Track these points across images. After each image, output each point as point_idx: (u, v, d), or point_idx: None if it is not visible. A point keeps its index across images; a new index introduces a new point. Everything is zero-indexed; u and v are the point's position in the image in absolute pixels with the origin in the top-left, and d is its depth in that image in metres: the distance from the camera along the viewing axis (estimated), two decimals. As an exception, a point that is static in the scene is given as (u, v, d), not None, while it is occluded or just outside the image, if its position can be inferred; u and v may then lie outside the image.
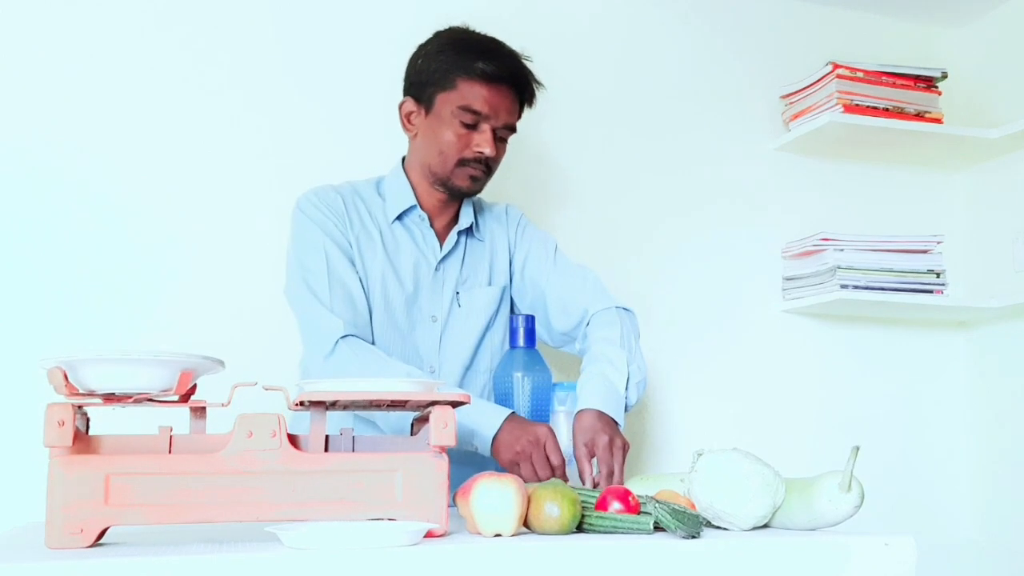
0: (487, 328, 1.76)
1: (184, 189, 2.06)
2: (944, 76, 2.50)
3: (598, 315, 1.70)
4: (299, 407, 1.10)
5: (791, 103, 2.52)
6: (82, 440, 1.00)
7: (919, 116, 2.45)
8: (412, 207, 1.73)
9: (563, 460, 1.44)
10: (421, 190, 1.75)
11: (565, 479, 1.40)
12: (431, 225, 1.74)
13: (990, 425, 2.57)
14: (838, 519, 1.12)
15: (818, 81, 2.43)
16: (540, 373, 1.52)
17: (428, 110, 1.69)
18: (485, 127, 1.66)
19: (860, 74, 2.41)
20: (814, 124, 2.40)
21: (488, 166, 1.70)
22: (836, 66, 2.39)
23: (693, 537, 1.05)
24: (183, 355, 1.03)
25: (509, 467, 1.45)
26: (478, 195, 1.79)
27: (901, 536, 1.08)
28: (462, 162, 1.67)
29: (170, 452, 1.05)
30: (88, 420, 1.07)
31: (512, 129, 1.72)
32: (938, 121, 2.46)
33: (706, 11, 2.52)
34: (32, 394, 1.32)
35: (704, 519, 1.11)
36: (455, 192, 1.72)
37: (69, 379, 0.99)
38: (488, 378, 1.76)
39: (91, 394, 1.01)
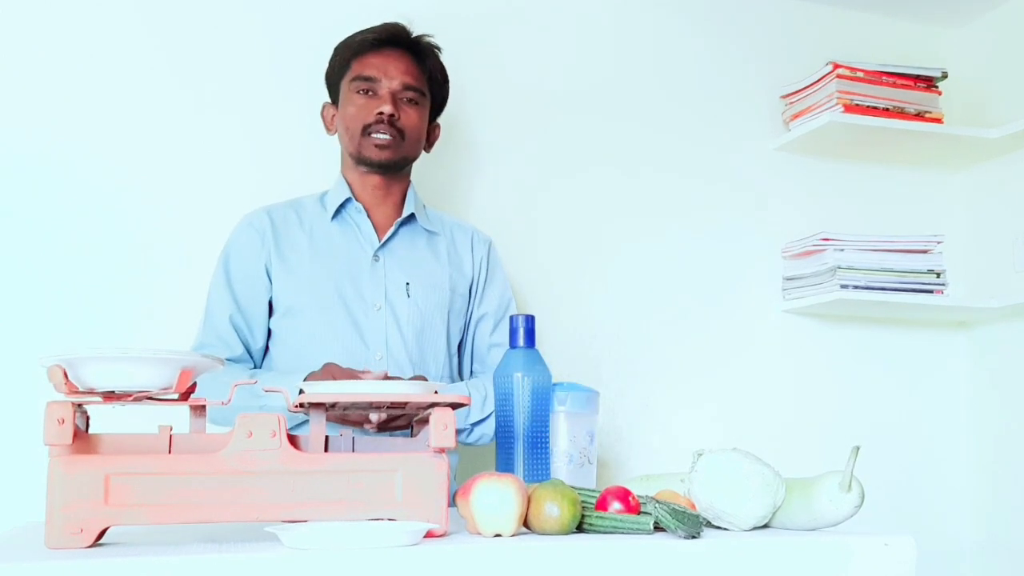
0: (435, 329, 1.79)
1: (183, 187, 2.06)
2: (944, 76, 2.50)
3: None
4: (299, 409, 1.10)
5: (791, 103, 2.52)
6: (82, 438, 1.00)
7: (919, 116, 2.45)
8: (347, 200, 1.79)
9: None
10: (355, 183, 1.81)
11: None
12: (369, 216, 1.80)
13: (990, 425, 2.56)
14: (838, 519, 1.12)
15: (818, 81, 2.43)
16: (540, 373, 1.51)
17: (338, 102, 1.81)
18: (383, 91, 1.74)
19: (860, 74, 2.41)
20: (814, 124, 2.40)
21: (397, 129, 1.74)
22: (836, 66, 2.39)
23: (693, 537, 1.05)
24: (183, 353, 1.03)
25: None
26: (445, 212, 1.89)
27: (901, 536, 1.08)
28: (367, 130, 1.74)
29: (170, 452, 1.05)
30: (88, 418, 1.07)
31: (418, 91, 1.78)
32: (938, 121, 2.46)
33: (706, 11, 2.52)
34: (32, 394, 1.32)
35: (704, 519, 1.11)
36: (372, 165, 1.77)
37: (69, 377, 0.99)
38: (442, 379, 1.79)
39: (91, 392, 1.01)
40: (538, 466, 1.48)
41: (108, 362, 0.99)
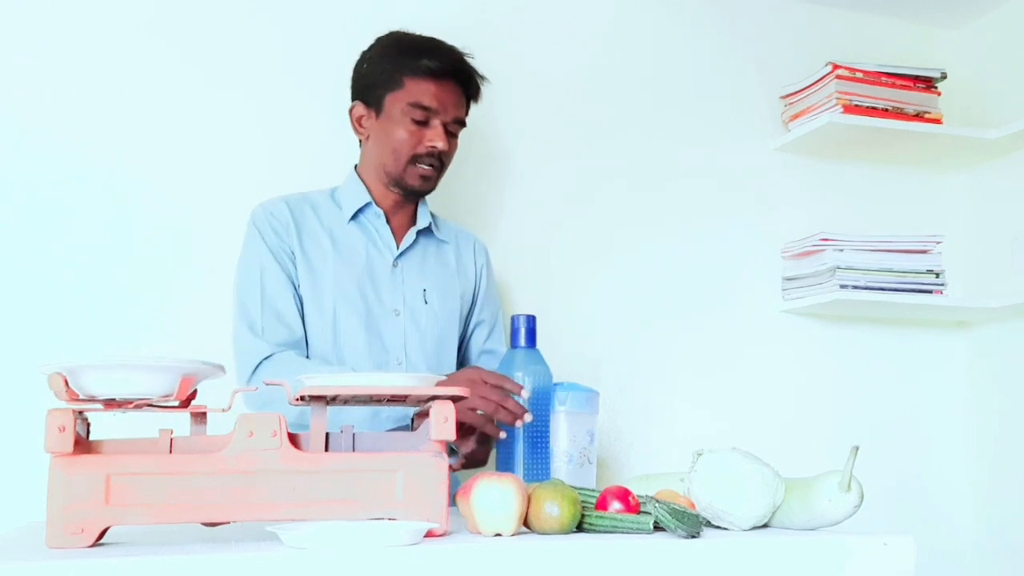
0: (450, 336, 1.80)
1: (186, 194, 2.05)
2: (943, 76, 2.50)
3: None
4: (299, 402, 1.10)
5: (791, 103, 2.52)
6: (82, 445, 1.00)
7: (918, 116, 2.45)
8: (367, 204, 1.78)
9: (504, 378, 1.48)
10: (376, 191, 1.80)
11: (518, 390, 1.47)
12: (387, 222, 1.79)
13: (990, 425, 2.56)
14: (838, 519, 1.12)
15: (818, 81, 2.43)
16: (540, 373, 1.52)
17: (379, 112, 1.75)
18: (436, 122, 1.72)
19: (859, 74, 2.41)
20: (814, 124, 2.40)
21: (441, 161, 1.75)
22: (836, 66, 2.39)
23: (693, 537, 1.05)
24: (184, 360, 1.03)
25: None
26: (444, 218, 1.88)
27: (900, 536, 1.08)
28: (414, 159, 1.73)
29: (170, 453, 1.05)
30: (89, 425, 1.07)
31: (461, 124, 1.78)
32: (937, 121, 2.46)
33: (706, 11, 2.52)
34: (33, 394, 1.32)
35: (704, 519, 1.11)
36: (408, 191, 1.77)
37: (70, 384, 0.99)
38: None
39: (92, 399, 1.01)
40: (538, 466, 1.48)
41: (108, 370, 0.99)
